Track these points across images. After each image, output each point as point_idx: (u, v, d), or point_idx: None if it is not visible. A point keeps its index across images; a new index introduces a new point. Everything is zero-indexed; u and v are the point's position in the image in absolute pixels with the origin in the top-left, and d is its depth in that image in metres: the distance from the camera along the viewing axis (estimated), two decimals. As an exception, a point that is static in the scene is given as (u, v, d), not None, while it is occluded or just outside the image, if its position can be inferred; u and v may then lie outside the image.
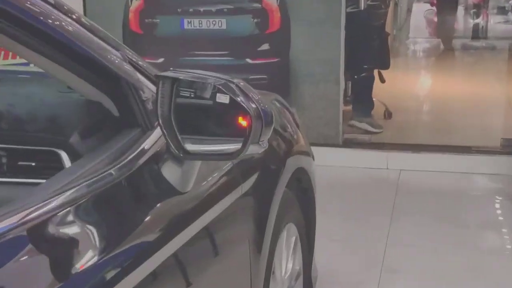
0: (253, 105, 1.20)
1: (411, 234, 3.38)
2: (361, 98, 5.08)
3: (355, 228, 3.45)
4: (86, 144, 1.35)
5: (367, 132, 4.79)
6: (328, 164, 3.97)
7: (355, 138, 4.60)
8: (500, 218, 3.68)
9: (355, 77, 4.98)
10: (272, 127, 1.25)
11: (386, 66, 5.26)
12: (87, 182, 1.11)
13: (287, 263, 2.05)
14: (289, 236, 2.06)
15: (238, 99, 1.20)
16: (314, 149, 2.48)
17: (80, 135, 1.36)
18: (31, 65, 1.51)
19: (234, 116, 1.22)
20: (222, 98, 1.21)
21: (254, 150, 1.23)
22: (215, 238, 1.47)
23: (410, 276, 2.95)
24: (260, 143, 1.23)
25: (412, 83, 6.58)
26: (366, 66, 5.18)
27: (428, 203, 3.81)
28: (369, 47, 5.00)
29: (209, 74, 1.26)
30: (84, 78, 1.26)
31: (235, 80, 1.23)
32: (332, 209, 3.43)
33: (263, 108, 1.22)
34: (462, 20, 9.45)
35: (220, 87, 1.21)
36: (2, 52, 3.65)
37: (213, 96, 1.23)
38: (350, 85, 5.12)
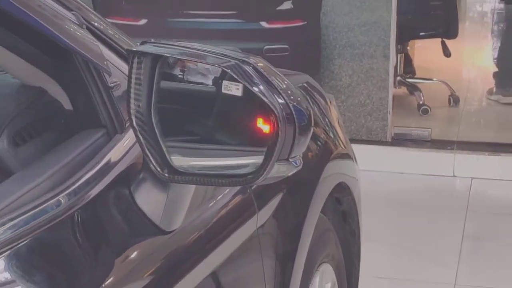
0: (281, 100, 1.09)
1: (488, 275, 3.28)
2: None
3: (412, 262, 3.36)
4: (19, 155, 1.26)
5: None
6: (372, 168, 3.92)
7: (409, 133, 4.51)
8: None
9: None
10: (310, 135, 1.14)
11: (452, 34, 5.22)
12: (21, 217, 1.03)
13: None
14: (324, 282, 2.00)
15: (256, 89, 1.10)
16: (354, 148, 2.39)
17: (10, 140, 1.26)
18: None
19: (250, 116, 1.14)
20: (231, 88, 1.12)
21: (281, 171, 1.13)
22: None
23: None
24: (290, 160, 1.12)
25: (488, 59, 6.44)
26: (425, 32, 5.24)
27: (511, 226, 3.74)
28: (430, 8, 5.00)
29: (211, 49, 1.15)
30: (19, 53, 1.21)
31: (252, 60, 1.12)
32: (378, 235, 3.36)
33: (296, 105, 1.10)
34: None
35: (229, 70, 1.11)
36: None
37: (217, 84, 1.15)
38: (402, 59, 5.09)
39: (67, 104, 1.27)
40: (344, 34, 4.29)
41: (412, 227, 3.69)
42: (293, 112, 1.09)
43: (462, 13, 7.01)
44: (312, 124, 1.15)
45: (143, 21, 4.36)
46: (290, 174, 1.14)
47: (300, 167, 1.15)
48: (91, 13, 1.28)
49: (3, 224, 0.99)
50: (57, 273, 1.07)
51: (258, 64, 1.11)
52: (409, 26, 4.77)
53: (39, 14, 1.12)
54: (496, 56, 5.55)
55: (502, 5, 5.77)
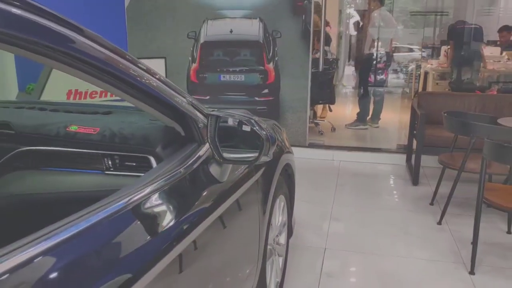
0: (264, 132, 1.11)
1: (348, 198, 3.28)
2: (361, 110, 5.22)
3: (315, 194, 3.35)
4: (165, 153, 1.21)
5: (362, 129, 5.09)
6: (300, 157, 3.88)
7: (315, 143, 4.46)
8: (394, 186, 3.57)
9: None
10: (275, 145, 1.15)
11: (332, 102, 5.21)
12: (166, 176, 0.98)
13: (278, 217, 1.93)
14: (281, 202, 1.94)
15: (255, 128, 1.10)
16: (293, 149, 2.34)
17: (162, 147, 1.22)
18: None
19: (253, 138, 1.12)
20: (246, 127, 1.12)
21: (264, 158, 1.14)
22: (241, 206, 1.33)
23: (348, 223, 2.86)
24: (267, 155, 1.13)
25: (347, 111, 6.42)
26: (321, 101, 5.15)
27: (357, 179, 3.71)
28: (323, 92, 4.96)
29: (238, 112, 1.15)
30: (164, 113, 1.11)
31: (254, 117, 1.15)
32: (302, 183, 3.34)
33: (270, 134, 1.12)
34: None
35: (244, 121, 1.11)
36: (103, 93, 3.47)
37: (240, 126, 1.13)
38: (312, 113, 5.07)
39: (182, 133, 1.17)
40: (289, 103, 4.24)
41: (316, 179, 3.68)
42: (269, 137, 1.10)
43: (337, 92, 6.97)
44: (276, 142, 1.14)
45: (208, 97, 4.28)
46: (268, 160, 1.14)
47: (271, 158, 1.15)
48: (191, 97, 1.20)
49: (155, 181, 0.93)
50: (181, 198, 1.01)
51: (256, 118, 1.12)
52: (315, 98, 4.70)
53: (174, 99, 1.07)
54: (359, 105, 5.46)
55: (361, 88, 5.63)
